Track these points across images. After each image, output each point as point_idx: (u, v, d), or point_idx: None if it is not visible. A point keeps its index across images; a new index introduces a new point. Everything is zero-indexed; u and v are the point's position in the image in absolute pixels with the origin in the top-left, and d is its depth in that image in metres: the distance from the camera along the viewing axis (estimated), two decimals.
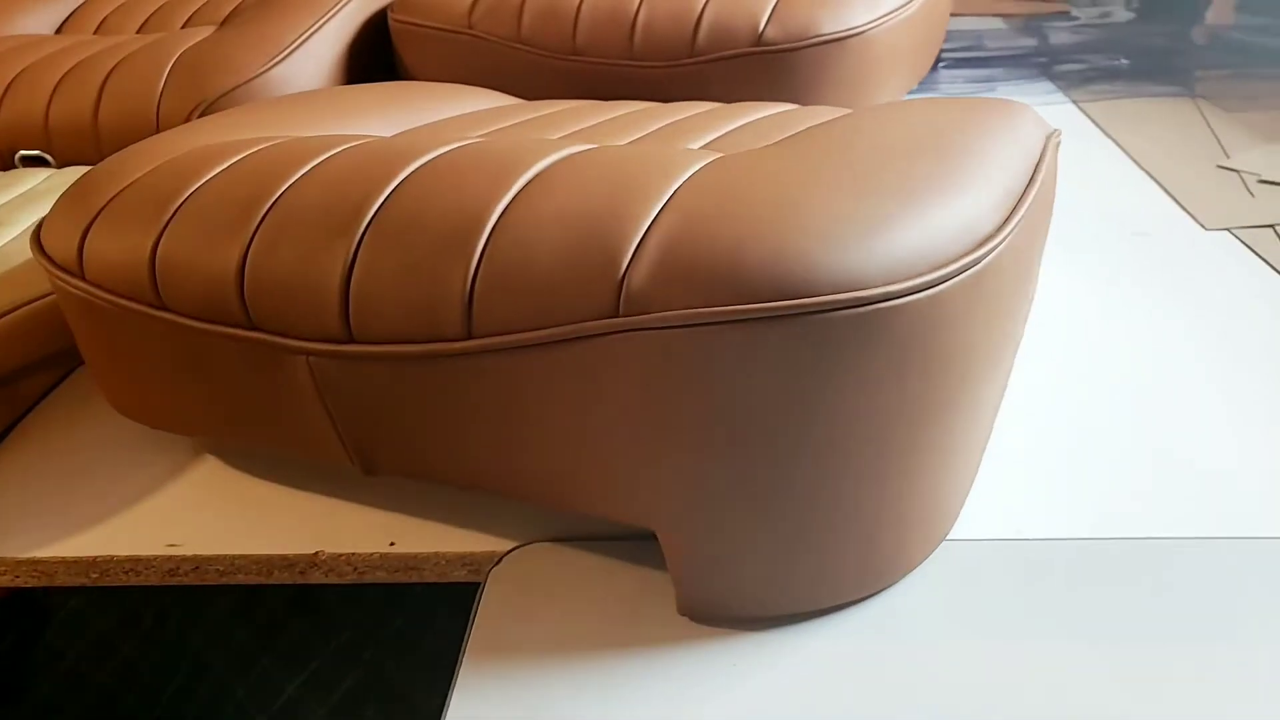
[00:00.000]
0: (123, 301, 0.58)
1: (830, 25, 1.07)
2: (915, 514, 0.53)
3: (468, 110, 0.87)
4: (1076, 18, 1.68)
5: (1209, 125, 1.17)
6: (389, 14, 1.27)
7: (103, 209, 0.60)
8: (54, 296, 0.74)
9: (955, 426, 0.51)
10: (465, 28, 1.20)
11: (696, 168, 0.52)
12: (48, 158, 1.18)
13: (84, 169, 1.09)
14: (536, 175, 0.52)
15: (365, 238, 0.52)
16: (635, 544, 0.59)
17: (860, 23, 1.08)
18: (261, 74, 1.14)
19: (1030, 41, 1.58)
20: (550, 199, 0.50)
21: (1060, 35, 1.61)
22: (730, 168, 0.52)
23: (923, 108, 0.62)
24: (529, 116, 0.81)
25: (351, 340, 0.53)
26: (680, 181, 0.50)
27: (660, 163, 0.52)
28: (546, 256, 0.48)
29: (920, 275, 0.45)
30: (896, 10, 1.12)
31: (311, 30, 1.20)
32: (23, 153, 1.18)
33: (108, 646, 1.08)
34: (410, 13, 1.24)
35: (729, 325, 0.44)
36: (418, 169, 0.54)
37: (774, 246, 0.44)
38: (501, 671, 0.52)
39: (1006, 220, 0.50)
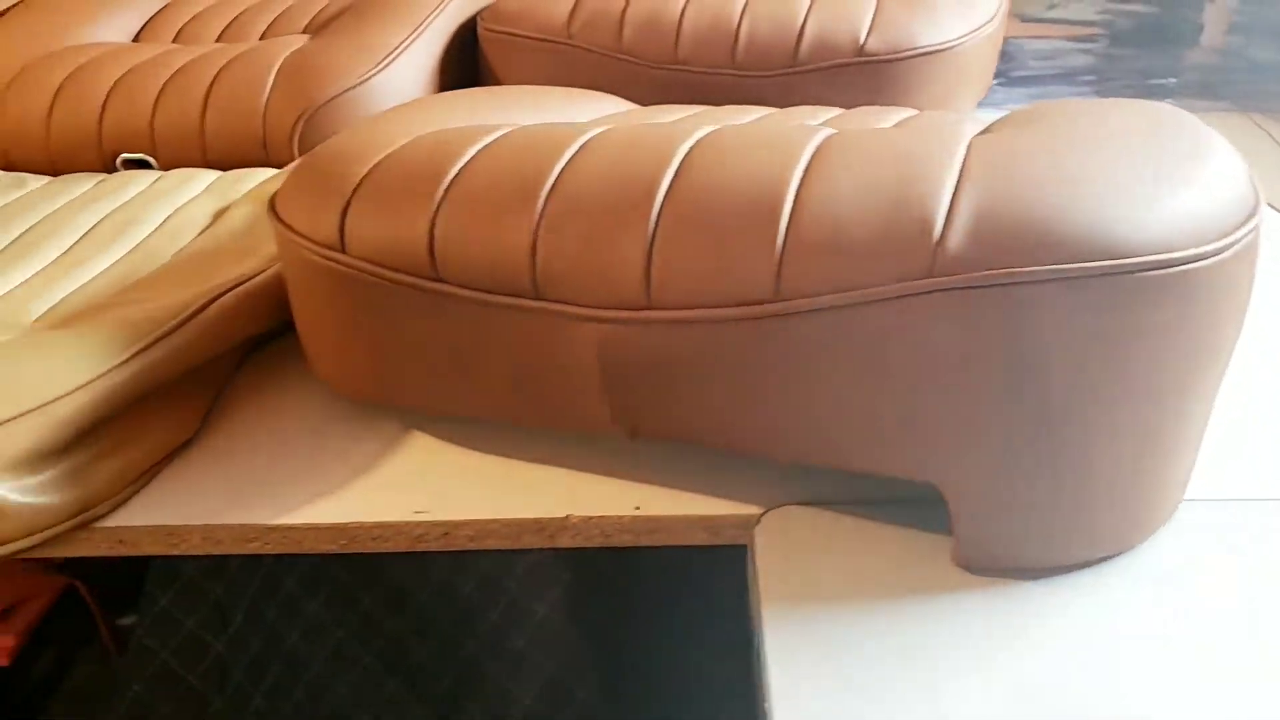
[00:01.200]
0: (397, 275, 0.61)
1: (928, 38, 1.13)
2: (1177, 469, 0.57)
3: (611, 111, 0.90)
4: (1108, 41, 1.76)
5: (1271, 137, 1.24)
6: (479, 22, 1.29)
7: (357, 188, 0.63)
8: (262, 277, 0.75)
9: (1215, 386, 0.56)
10: (564, 38, 1.23)
11: (965, 142, 0.56)
12: (151, 161, 1.19)
13: (194, 170, 1.11)
14: (817, 150, 0.56)
15: (663, 210, 0.55)
16: (876, 506, 0.62)
17: (954, 35, 1.14)
18: (364, 81, 1.17)
19: (1070, 63, 1.66)
20: (843, 171, 0.54)
21: (1092, 58, 1.69)
22: (1002, 143, 0.56)
23: (1097, 104, 0.66)
24: (681, 115, 0.84)
25: (649, 307, 0.56)
26: (961, 154, 0.54)
27: (933, 138, 0.56)
28: (855, 222, 0.52)
29: (1214, 240, 0.49)
30: (984, 24, 1.18)
31: (410, 39, 1.23)
32: (125, 156, 1.19)
33: (199, 645, 1.08)
34: (502, 22, 1.27)
35: (1048, 284, 0.48)
36: (695, 146, 0.58)
37: (1094, 209, 0.48)
38: (802, 623, 0.55)
39: (1257, 196, 0.55)
